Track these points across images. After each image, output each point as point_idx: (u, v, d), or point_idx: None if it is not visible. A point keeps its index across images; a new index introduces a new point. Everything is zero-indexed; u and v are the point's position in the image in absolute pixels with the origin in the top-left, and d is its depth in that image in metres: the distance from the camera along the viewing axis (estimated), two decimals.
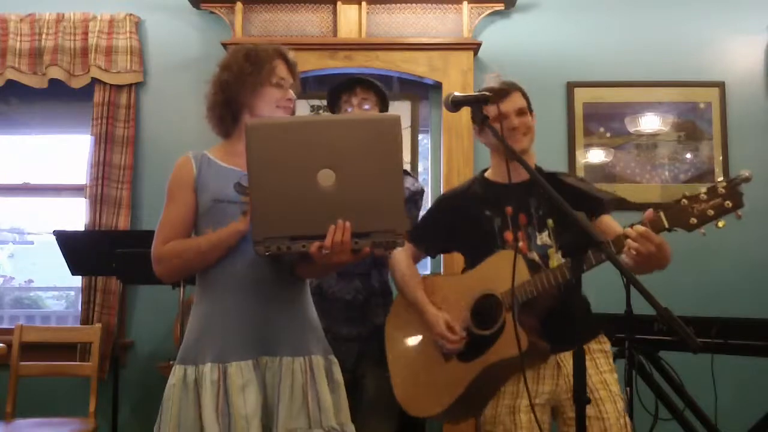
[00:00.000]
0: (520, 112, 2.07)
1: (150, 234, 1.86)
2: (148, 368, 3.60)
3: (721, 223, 1.69)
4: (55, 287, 4.71)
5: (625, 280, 1.52)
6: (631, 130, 3.79)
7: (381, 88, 2.62)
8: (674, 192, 3.65)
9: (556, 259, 2.01)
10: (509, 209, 2.06)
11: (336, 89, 2.64)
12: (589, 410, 1.89)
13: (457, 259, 2.36)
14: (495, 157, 2.16)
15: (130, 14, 3.80)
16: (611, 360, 2.08)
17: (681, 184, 3.72)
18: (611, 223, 2.05)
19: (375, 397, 2.48)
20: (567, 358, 1.99)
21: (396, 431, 2.50)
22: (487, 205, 2.10)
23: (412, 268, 2.26)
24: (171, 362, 3.14)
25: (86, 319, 3.62)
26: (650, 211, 1.76)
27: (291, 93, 1.90)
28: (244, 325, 1.76)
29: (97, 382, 3.33)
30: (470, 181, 2.24)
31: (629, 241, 1.72)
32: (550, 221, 2.03)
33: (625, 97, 3.79)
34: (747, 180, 2.90)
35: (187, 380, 1.72)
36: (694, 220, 1.69)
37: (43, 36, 3.75)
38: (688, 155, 3.77)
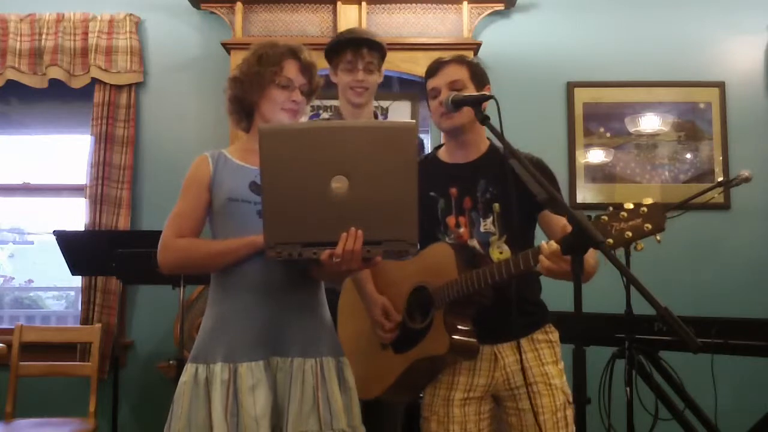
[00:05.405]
0: (453, 86, 1.89)
1: (150, 234, 1.86)
2: (148, 368, 3.60)
3: (639, 246, 1.46)
4: (55, 287, 4.70)
5: (625, 280, 1.50)
6: (631, 130, 3.79)
7: (385, 49, 2.48)
8: (674, 192, 3.65)
9: (497, 247, 1.90)
10: (454, 191, 1.93)
11: (341, 44, 2.44)
12: (525, 403, 1.86)
13: None
14: (446, 137, 2.03)
15: (130, 14, 3.80)
16: (558, 350, 1.96)
17: (681, 184, 3.72)
18: (554, 218, 1.85)
19: None
20: (505, 350, 1.91)
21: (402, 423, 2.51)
22: (432, 185, 1.95)
23: None
24: (171, 362, 3.17)
25: (86, 319, 3.62)
26: (566, 223, 1.54)
27: (297, 95, 1.87)
28: (255, 326, 1.75)
29: (97, 382, 3.33)
30: (422, 159, 2.09)
31: (541, 257, 1.58)
32: (496, 206, 1.90)
33: (625, 97, 3.79)
34: (747, 180, 2.91)
35: (198, 379, 1.72)
36: (610, 241, 1.46)
37: (43, 36, 3.75)
38: (688, 155, 3.77)
